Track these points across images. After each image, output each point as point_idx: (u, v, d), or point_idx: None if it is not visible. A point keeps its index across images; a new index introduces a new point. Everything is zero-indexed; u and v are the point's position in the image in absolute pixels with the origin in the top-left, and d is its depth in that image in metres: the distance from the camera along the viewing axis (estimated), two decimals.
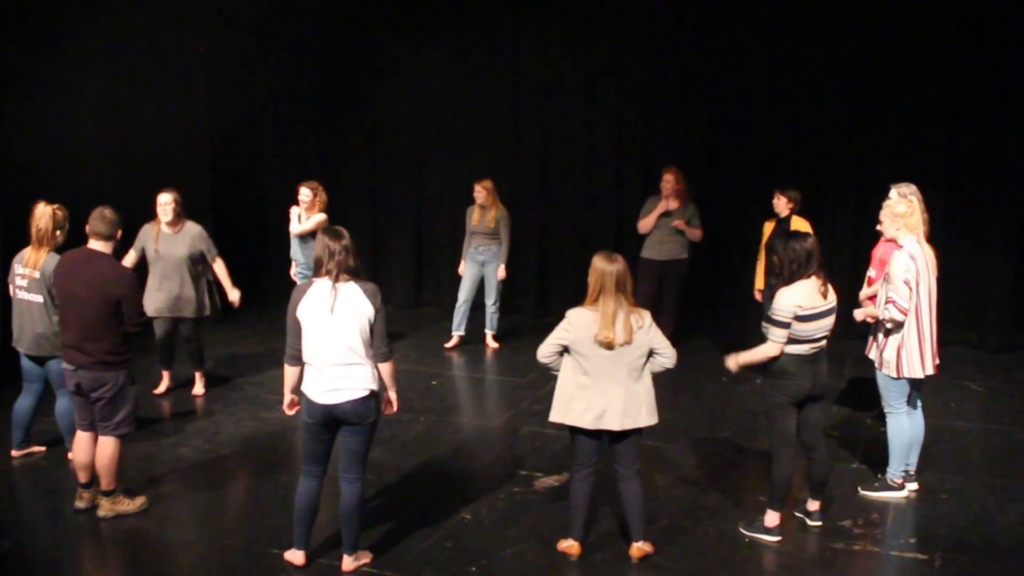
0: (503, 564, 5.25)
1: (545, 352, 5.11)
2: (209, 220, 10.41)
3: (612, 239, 9.96)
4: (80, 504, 5.79)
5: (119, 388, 5.57)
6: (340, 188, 10.68)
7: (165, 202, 7.45)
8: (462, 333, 9.44)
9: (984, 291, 9.39)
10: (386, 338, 4.94)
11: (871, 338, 6.04)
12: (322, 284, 4.85)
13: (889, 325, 5.75)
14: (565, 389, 5.09)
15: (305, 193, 8.61)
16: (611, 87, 10.19)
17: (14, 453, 6.60)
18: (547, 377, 5.36)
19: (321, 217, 8.55)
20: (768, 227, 8.24)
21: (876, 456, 6.40)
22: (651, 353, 5.05)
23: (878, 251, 6.55)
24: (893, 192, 6.37)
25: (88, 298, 5.45)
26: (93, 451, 5.70)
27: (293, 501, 5.10)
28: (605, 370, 4.98)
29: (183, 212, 7.55)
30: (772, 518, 5.46)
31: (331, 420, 4.89)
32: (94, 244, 5.59)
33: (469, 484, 6.33)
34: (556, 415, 5.14)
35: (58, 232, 6.16)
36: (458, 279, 9.43)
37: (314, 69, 11.09)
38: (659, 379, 5.17)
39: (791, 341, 5.25)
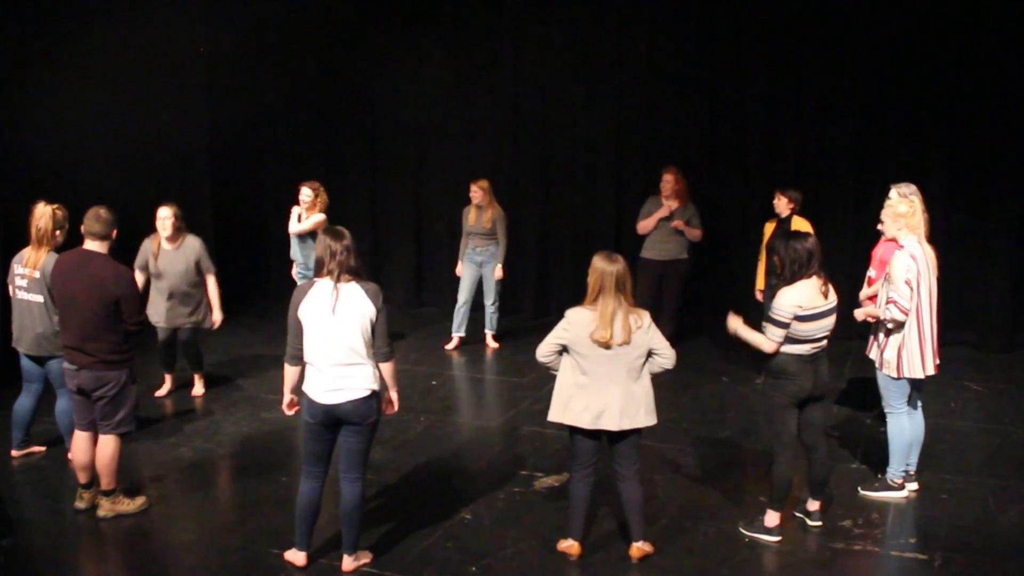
0: (503, 564, 5.25)
1: (544, 351, 5.11)
2: (209, 220, 10.48)
3: (612, 239, 9.97)
4: (80, 504, 5.79)
5: (121, 387, 5.57)
6: (340, 188, 10.67)
7: (164, 216, 7.44)
8: (462, 334, 9.44)
9: (984, 291, 9.39)
10: (387, 338, 4.94)
11: (872, 338, 6.04)
12: (324, 284, 4.85)
13: (890, 325, 5.75)
14: (564, 389, 5.09)
15: (306, 193, 8.61)
16: (611, 87, 10.19)
17: (14, 453, 6.60)
18: (547, 377, 5.35)
19: (320, 217, 8.55)
20: (769, 227, 8.24)
21: (876, 456, 6.40)
22: (650, 354, 5.05)
23: (878, 251, 6.55)
24: (893, 192, 6.37)
25: (87, 299, 5.45)
26: (92, 451, 5.70)
27: (294, 502, 5.10)
28: (604, 370, 4.98)
29: (183, 226, 7.56)
30: (772, 518, 5.46)
31: (332, 420, 4.89)
32: (90, 244, 5.58)
33: (469, 484, 6.33)
34: (554, 414, 5.14)
35: (58, 232, 6.16)
36: (458, 279, 9.43)
37: (314, 69, 11.09)
38: (659, 379, 5.17)
39: (792, 341, 5.25)
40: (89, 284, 5.45)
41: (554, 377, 5.17)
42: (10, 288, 6.34)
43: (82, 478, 5.79)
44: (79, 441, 5.73)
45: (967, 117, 9.14)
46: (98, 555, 5.64)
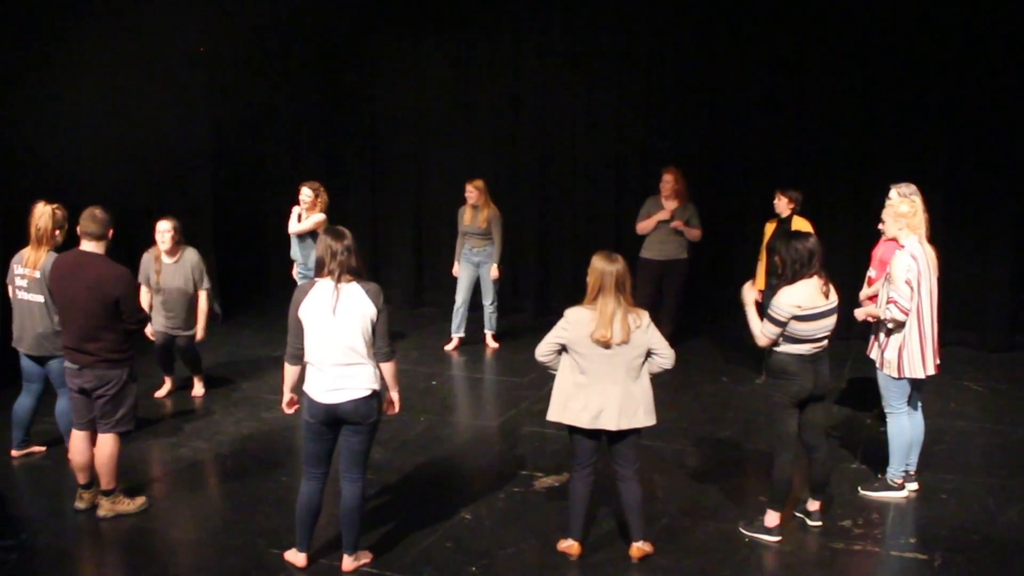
0: (503, 564, 5.25)
1: (543, 351, 5.11)
2: (209, 221, 10.48)
3: (612, 239, 9.96)
4: (80, 504, 5.79)
5: (122, 385, 5.57)
6: (340, 188, 10.67)
7: (164, 229, 7.45)
8: (462, 335, 9.44)
9: (984, 291, 9.39)
10: (388, 338, 4.94)
11: (872, 338, 6.04)
12: (324, 284, 4.84)
13: (890, 325, 5.75)
14: (563, 388, 5.09)
15: (306, 193, 8.61)
16: (611, 87, 10.19)
17: (14, 453, 6.60)
18: (547, 377, 5.35)
19: (320, 217, 8.55)
20: (769, 228, 8.23)
21: (876, 456, 6.39)
22: (649, 353, 5.05)
23: (878, 251, 6.55)
24: (893, 192, 6.38)
25: (85, 300, 5.44)
26: (90, 451, 5.70)
27: (294, 502, 5.10)
28: (603, 369, 4.98)
29: (182, 239, 7.57)
30: (772, 518, 5.46)
31: (333, 420, 4.89)
32: (86, 245, 5.57)
33: (469, 484, 6.34)
34: (554, 414, 5.14)
35: (58, 232, 6.16)
36: (456, 279, 9.42)
37: (314, 69, 11.09)
38: (659, 379, 5.17)
39: (793, 341, 5.25)
40: (88, 285, 5.44)
41: (554, 377, 5.17)
42: (10, 288, 6.34)
43: (81, 479, 5.78)
44: (77, 441, 5.72)
45: (967, 117, 9.14)
46: (98, 555, 5.63)
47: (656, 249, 8.92)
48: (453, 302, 9.42)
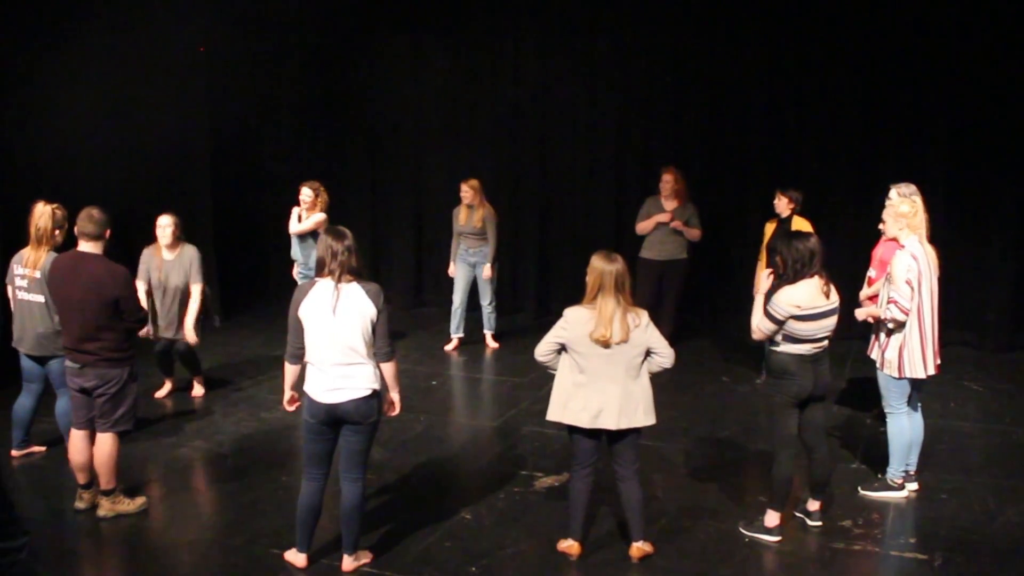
0: (503, 564, 5.25)
1: (543, 351, 5.11)
2: (209, 221, 10.48)
3: (612, 239, 9.96)
4: (80, 504, 5.79)
5: (122, 385, 5.57)
6: (340, 188, 10.67)
7: (164, 224, 7.46)
8: (461, 335, 9.44)
9: (984, 291, 9.39)
10: (388, 338, 4.94)
11: (872, 338, 6.04)
12: (325, 284, 4.84)
13: (891, 325, 5.75)
14: (562, 388, 5.09)
15: (306, 193, 8.61)
16: (611, 87, 10.19)
17: (14, 453, 6.60)
18: (546, 377, 5.35)
19: (320, 217, 8.55)
20: (769, 228, 8.23)
21: (876, 456, 6.40)
22: (649, 353, 5.05)
23: (878, 251, 6.55)
24: (893, 192, 6.38)
25: (85, 301, 5.44)
26: (89, 451, 5.70)
27: (294, 502, 5.10)
28: (602, 369, 4.98)
29: (182, 235, 7.57)
30: (772, 518, 5.46)
31: (333, 419, 4.89)
32: (84, 246, 5.56)
33: (469, 484, 6.34)
34: (553, 414, 5.14)
35: (57, 232, 6.16)
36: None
37: (314, 69, 11.09)
38: (659, 379, 5.17)
39: (793, 340, 5.25)
40: (87, 286, 5.44)
41: (553, 377, 5.17)
42: (9, 289, 6.33)
43: (81, 479, 5.78)
44: (76, 440, 5.72)
45: (967, 117, 9.14)
46: (98, 555, 5.64)
47: (656, 249, 8.92)
48: (452, 302, 9.42)
